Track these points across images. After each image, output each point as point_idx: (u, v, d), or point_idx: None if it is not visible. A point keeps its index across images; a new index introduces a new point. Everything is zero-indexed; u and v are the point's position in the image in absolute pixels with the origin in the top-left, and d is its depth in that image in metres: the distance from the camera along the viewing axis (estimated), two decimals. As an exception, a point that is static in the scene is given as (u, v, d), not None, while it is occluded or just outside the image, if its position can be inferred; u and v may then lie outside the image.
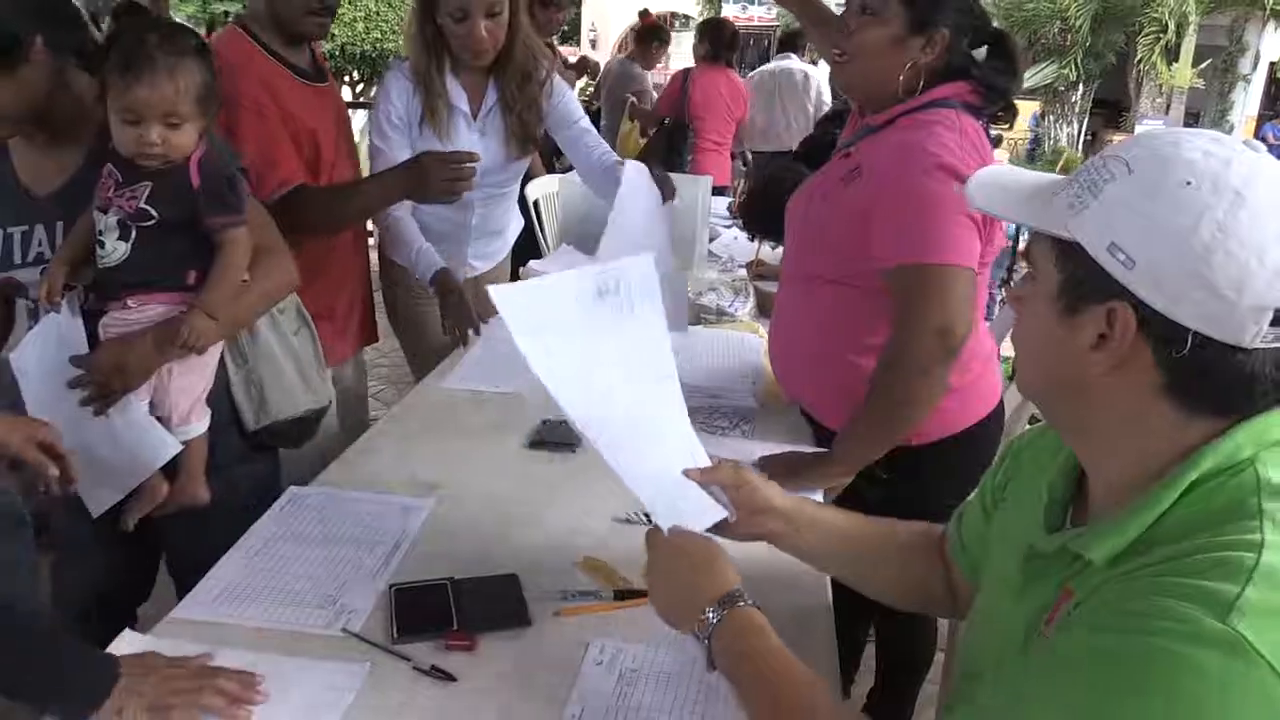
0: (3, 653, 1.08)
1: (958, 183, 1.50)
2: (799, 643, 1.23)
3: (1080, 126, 15.88)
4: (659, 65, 6.22)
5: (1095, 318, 0.82)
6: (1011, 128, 1.80)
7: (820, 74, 5.54)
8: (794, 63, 5.70)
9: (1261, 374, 0.79)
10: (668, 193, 2.27)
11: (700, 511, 1.23)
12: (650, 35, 5.62)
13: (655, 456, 1.25)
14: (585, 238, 3.04)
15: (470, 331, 2.18)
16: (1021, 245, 4.35)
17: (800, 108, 5.57)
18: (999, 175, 0.96)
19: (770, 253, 3.29)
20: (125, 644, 1.19)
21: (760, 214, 2.89)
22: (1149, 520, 0.81)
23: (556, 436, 1.81)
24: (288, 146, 2.02)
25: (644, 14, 5.97)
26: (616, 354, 1.28)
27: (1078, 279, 0.83)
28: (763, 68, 5.96)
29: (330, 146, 2.14)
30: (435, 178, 1.98)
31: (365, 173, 2.34)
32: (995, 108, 1.70)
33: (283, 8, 2.01)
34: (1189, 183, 0.78)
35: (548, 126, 2.45)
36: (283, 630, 1.23)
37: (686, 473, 1.25)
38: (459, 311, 2.18)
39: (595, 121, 4.62)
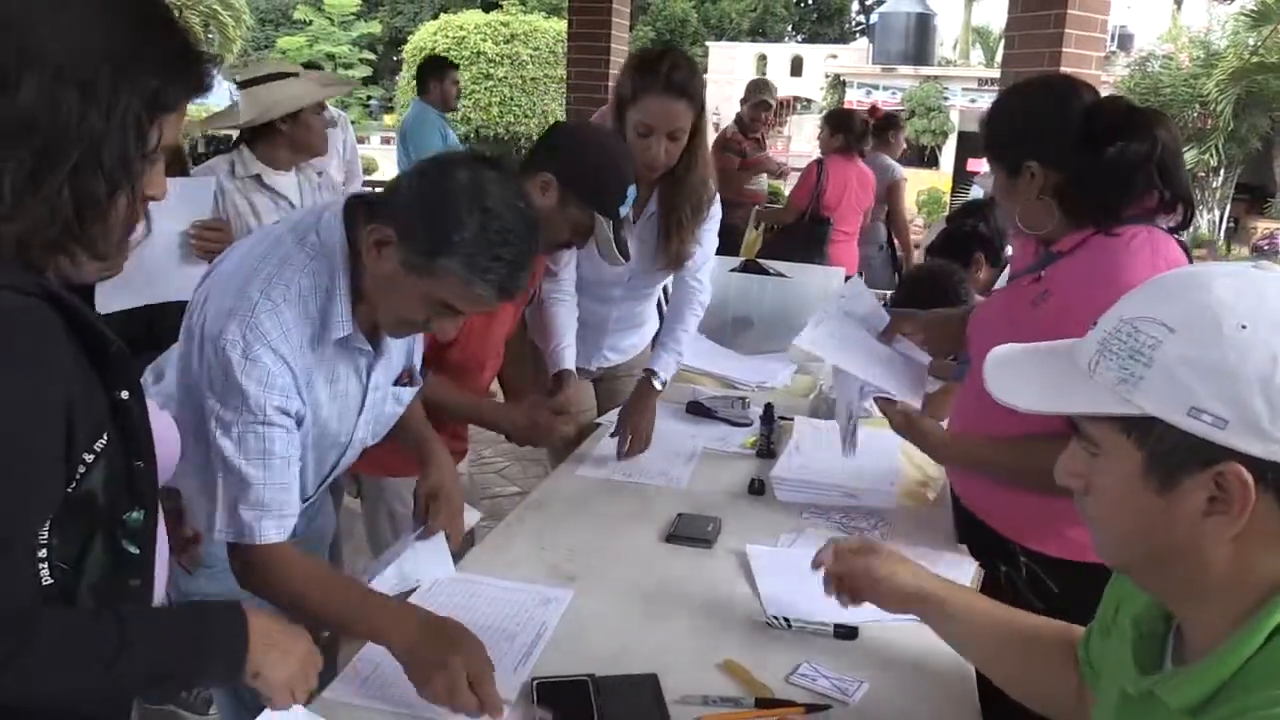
0: (152, 641, 1.01)
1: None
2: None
3: (1222, 213, 15.28)
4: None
5: (1201, 484, 0.78)
6: (1187, 225, 1.66)
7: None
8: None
9: None
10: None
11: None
12: (886, 126, 5.76)
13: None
14: (718, 326, 3.08)
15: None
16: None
17: None
18: (1007, 364, 0.94)
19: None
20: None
21: (911, 305, 2.87)
22: (1229, 670, 0.78)
23: (693, 531, 1.81)
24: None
25: (874, 110, 6.18)
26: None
27: (1165, 451, 0.80)
28: None
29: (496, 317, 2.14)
30: (543, 426, 2.10)
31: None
32: (1180, 212, 1.62)
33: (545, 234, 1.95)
34: (1244, 326, 0.76)
35: None
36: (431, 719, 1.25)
37: (817, 561, 1.42)
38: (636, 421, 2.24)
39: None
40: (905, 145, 6.08)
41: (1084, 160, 1.58)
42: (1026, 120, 1.67)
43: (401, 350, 1.66)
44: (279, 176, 2.69)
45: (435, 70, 5.81)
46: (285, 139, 2.67)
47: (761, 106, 5.80)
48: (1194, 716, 0.80)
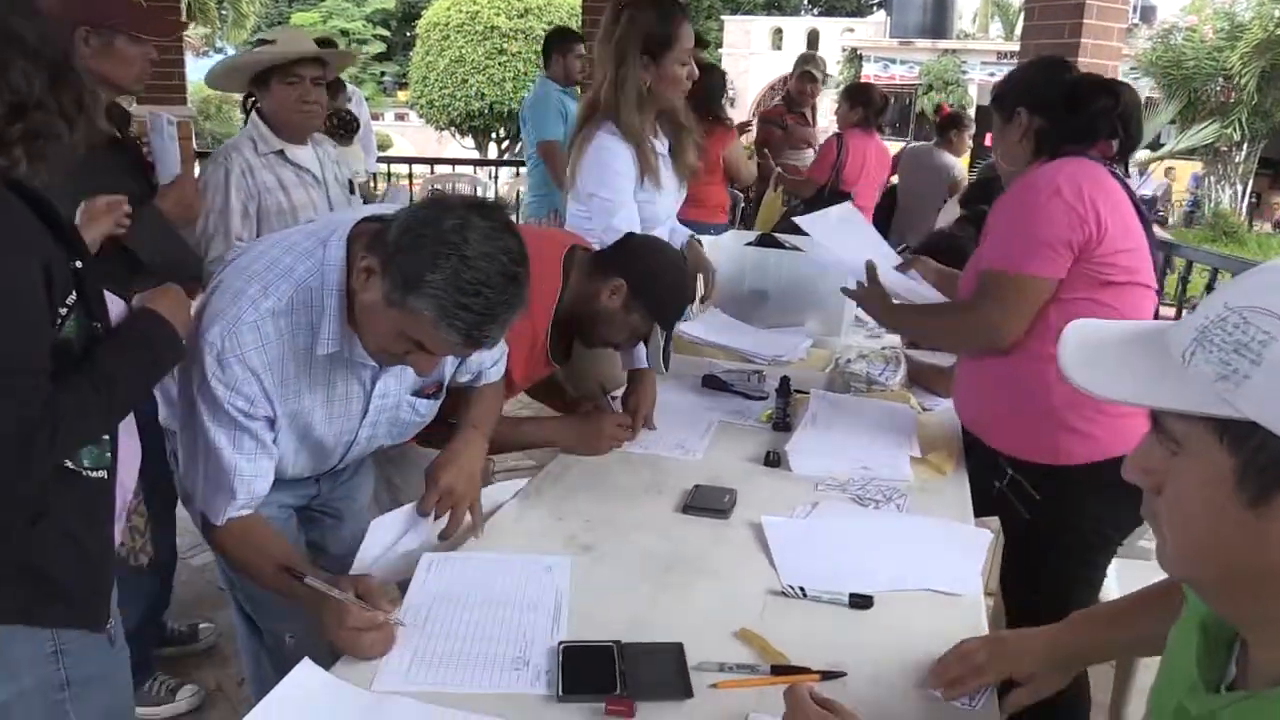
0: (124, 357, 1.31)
1: (1058, 199, 1.83)
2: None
3: (1244, 188, 15.12)
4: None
5: None
6: (1124, 164, 2.02)
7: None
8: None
9: None
10: (708, 289, 2.73)
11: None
12: (950, 125, 5.69)
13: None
14: (734, 300, 3.07)
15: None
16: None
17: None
18: (1088, 344, 0.83)
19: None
20: (304, 675, 1.26)
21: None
22: None
23: (709, 503, 1.82)
24: None
25: (940, 109, 6.13)
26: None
27: (1264, 463, 0.70)
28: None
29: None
30: (608, 434, 2.11)
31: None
32: (1115, 148, 1.97)
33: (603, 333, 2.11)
34: None
35: None
36: (491, 694, 1.26)
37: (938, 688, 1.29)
38: (642, 404, 2.24)
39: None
40: (969, 145, 5.97)
41: (1062, 112, 1.96)
42: (1026, 77, 2.11)
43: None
44: (299, 150, 2.67)
45: (557, 42, 5.42)
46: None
47: (806, 79, 5.68)
48: None
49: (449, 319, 1.37)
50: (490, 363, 1.86)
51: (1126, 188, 1.91)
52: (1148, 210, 2.05)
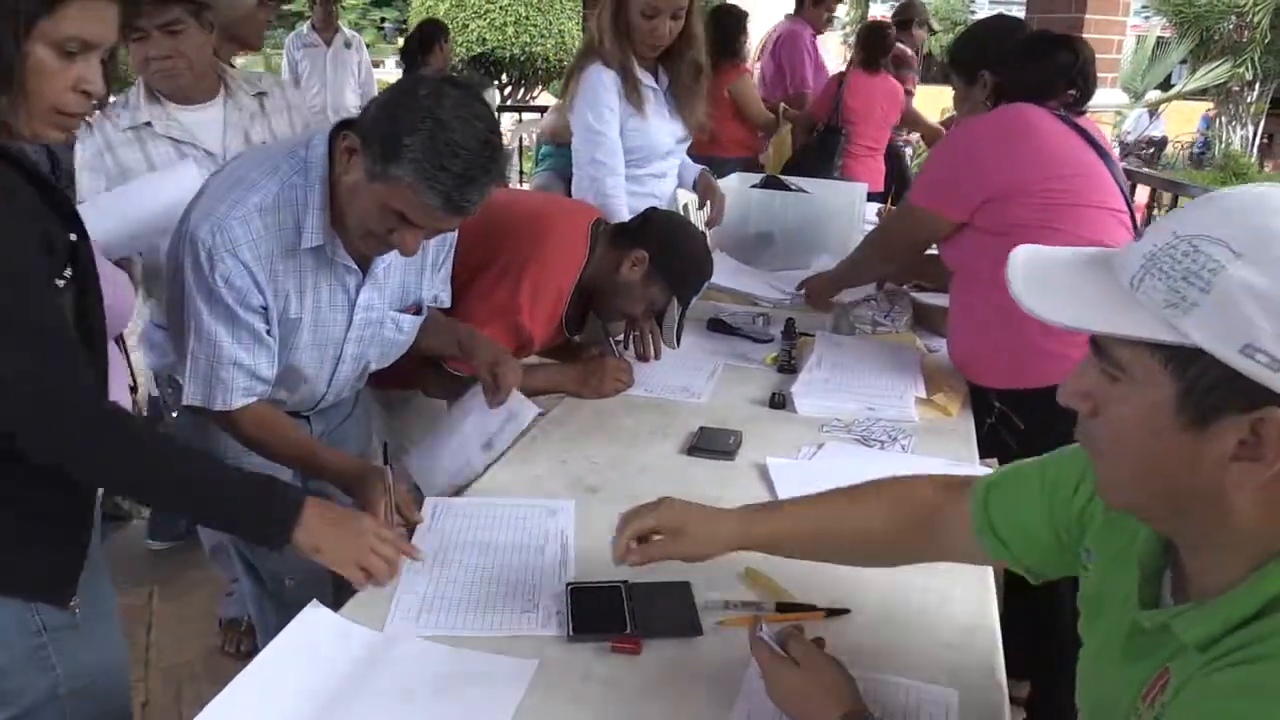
0: (204, 482, 1.30)
1: (965, 145, 2.05)
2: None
3: (1256, 129, 14.89)
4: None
5: (1235, 426, 0.71)
6: (1083, 108, 2.11)
7: None
8: None
9: None
10: (715, 212, 2.81)
11: None
12: None
13: None
14: (739, 243, 3.06)
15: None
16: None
17: None
18: (1034, 267, 0.83)
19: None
20: (313, 616, 1.27)
21: None
22: (1250, 609, 0.74)
23: (714, 444, 1.82)
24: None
25: None
26: None
27: (1205, 387, 0.71)
28: None
29: None
30: (611, 377, 2.13)
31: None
32: (1067, 94, 2.08)
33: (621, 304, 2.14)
34: None
35: None
36: (501, 636, 1.28)
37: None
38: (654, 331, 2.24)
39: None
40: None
41: (1022, 66, 2.09)
42: (983, 39, 2.27)
43: (404, 281, 1.75)
44: (188, 114, 2.13)
45: None
46: None
47: (908, 29, 5.41)
48: (1204, 651, 0.76)
49: (429, 181, 1.38)
50: (441, 285, 1.87)
51: (1076, 127, 2.03)
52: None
